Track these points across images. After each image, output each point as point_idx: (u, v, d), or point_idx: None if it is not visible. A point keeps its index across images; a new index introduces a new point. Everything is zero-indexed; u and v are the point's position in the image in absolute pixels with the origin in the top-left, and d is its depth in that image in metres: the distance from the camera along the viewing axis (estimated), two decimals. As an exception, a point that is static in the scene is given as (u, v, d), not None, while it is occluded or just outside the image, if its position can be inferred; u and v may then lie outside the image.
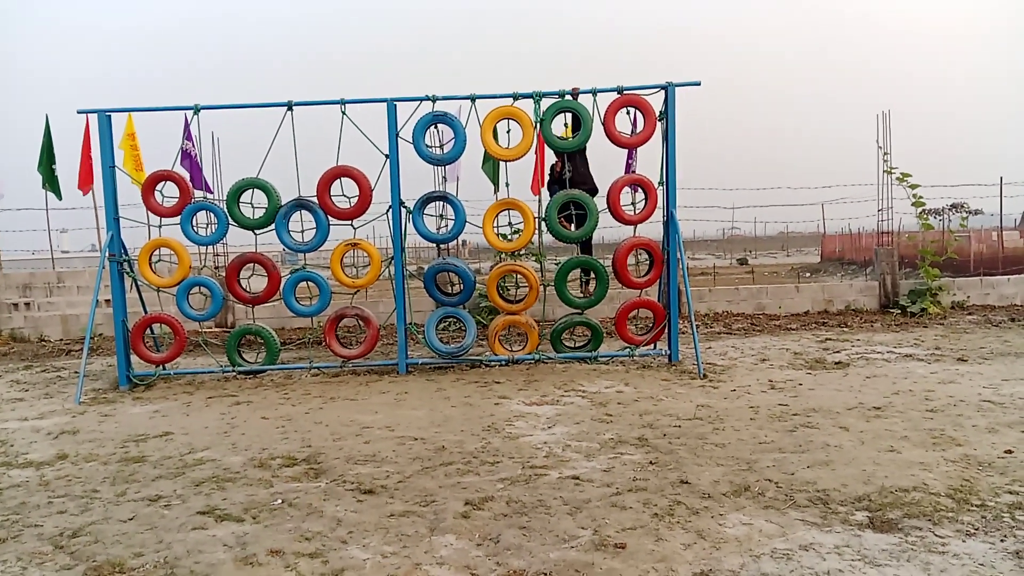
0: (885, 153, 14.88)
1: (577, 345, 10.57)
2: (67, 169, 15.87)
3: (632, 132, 10.05)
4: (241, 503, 5.07)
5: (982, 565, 3.80)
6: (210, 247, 12.38)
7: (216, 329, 13.90)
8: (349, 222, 9.95)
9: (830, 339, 11.37)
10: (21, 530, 4.72)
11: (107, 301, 12.17)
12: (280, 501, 5.07)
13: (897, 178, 14.66)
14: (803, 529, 4.31)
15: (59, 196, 15.97)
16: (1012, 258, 20.47)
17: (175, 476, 5.75)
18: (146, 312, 10.26)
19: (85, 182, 14.42)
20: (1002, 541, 4.05)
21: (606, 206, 9.88)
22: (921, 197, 14.52)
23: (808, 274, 29.17)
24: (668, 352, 9.93)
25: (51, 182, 15.67)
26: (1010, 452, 5.55)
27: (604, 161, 11.06)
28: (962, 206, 24.26)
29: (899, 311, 13.73)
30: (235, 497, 5.19)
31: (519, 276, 10.15)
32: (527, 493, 5.04)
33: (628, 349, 10.03)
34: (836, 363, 9.41)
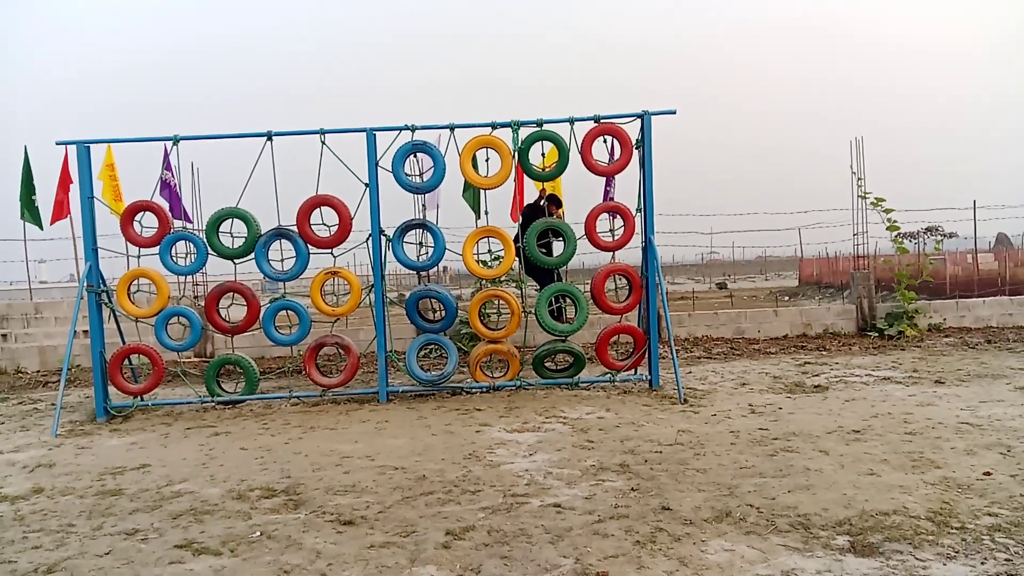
0: (859, 179, 15.07)
1: (559, 368, 10.57)
2: (47, 200, 15.78)
3: (609, 160, 10.14)
4: (219, 536, 5.01)
5: (962, 588, 3.82)
6: (189, 277, 12.32)
7: (195, 359, 13.79)
8: (329, 251, 9.95)
9: (809, 363, 11.44)
10: (-5, 567, 4.65)
11: (85, 332, 12.05)
12: (259, 533, 5.02)
13: (871, 203, 14.84)
14: (785, 554, 4.32)
15: (40, 226, 15.84)
16: (987, 280, 20.72)
17: (152, 509, 5.68)
18: (124, 343, 10.18)
19: (57, 215, 14.29)
20: (983, 564, 4.07)
21: (583, 233, 9.94)
22: (896, 221, 14.71)
23: (787, 298, 29.36)
24: (649, 377, 9.95)
25: (32, 212, 15.55)
26: (989, 474, 5.59)
27: (582, 189, 11.14)
28: (937, 229, 24.55)
29: (877, 334, 13.84)
30: (213, 530, 5.14)
31: (501, 302, 10.16)
32: (508, 522, 5.02)
33: (609, 375, 10.05)
34: (815, 387, 9.46)
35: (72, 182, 11.57)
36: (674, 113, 10.03)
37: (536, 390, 9.88)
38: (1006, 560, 4.10)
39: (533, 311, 9.95)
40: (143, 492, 6.15)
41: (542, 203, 10.52)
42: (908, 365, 10.80)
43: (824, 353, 12.45)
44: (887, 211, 14.66)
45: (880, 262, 17.54)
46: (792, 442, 6.79)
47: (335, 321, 10.21)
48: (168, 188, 12.10)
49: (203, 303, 10.44)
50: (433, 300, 10.41)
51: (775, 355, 12.49)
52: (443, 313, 10.22)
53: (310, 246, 9.88)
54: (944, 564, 4.10)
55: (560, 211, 11.14)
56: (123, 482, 6.49)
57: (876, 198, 14.77)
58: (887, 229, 14.77)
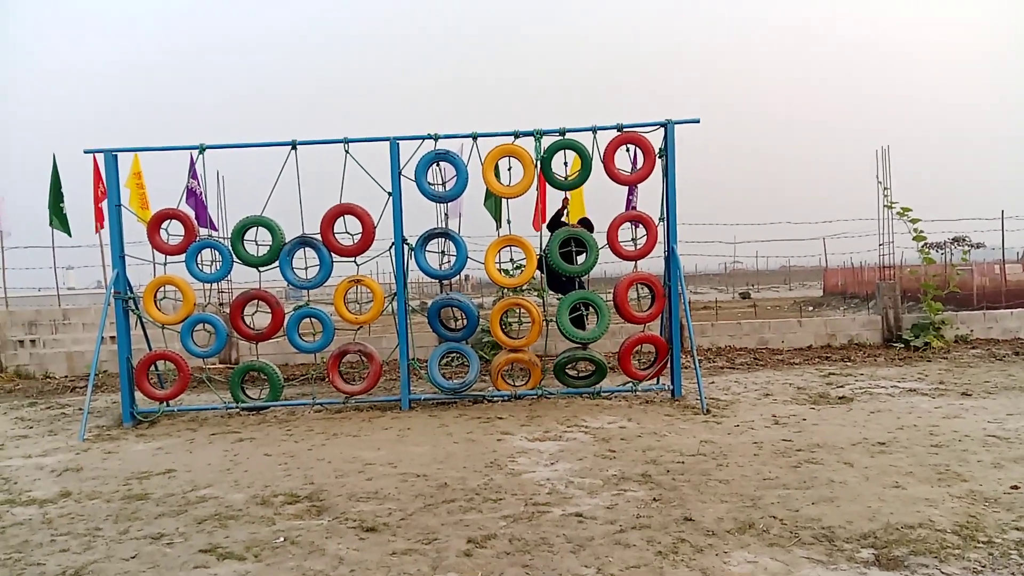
0: (885, 188, 14.96)
1: (580, 375, 10.55)
2: (74, 208, 15.99)
3: (632, 169, 10.13)
4: (243, 541, 5.05)
5: (988, 603, 3.78)
6: (215, 284, 12.43)
7: (220, 366, 13.92)
8: (352, 259, 10.02)
9: (833, 374, 11.36)
10: (23, 569, 4.71)
11: (112, 338, 12.19)
12: (282, 539, 5.06)
13: (898, 212, 14.73)
14: (808, 567, 4.29)
15: (68, 233, 16.06)
16: (1015, 291, 20.43)
17: (177, 514, 5.74)
18: (151, 349, 10.29)
19: (100, 220, 14.47)
20: (1008, 578, 4.03)
21: (606, 242, 9.93)
22: (922, 231, 14.58)
23: (811, 308, 29.12)
24: (671, 387, 9.91)
25: (60, 220, 15.78)
26: (1016, 488, 5.52)
27: (605, 198, 11.13)
28: (964, 239, 24.28)
29: (902, 345, 13.71)
30: (237, 535, 5.18)
31: (522, 310, 10.18)
32: (530, 531, 5.02)
33: (631, 384, 10.02)
34: (840, 398, 9.39)
35: (103, 189, 11.71)
36: (697, 122, 10.01)
37: (558, 399, 9.87)
38: (1034, 575, 4.05)
39: (554, 319, 9.95)
40: (169, 497, 6.21)
41: (564, 215, 10.52)
42: (934, 377, 10.69)
43: (849, 364, 12.35)
44: (913, 221, 14.54)
45: (906, 272, 17.37)
46: (816, 454, 6.74)
47: (358, 329, 10.27)
48: (194, 196, 12.24)
49: (228, 310, 10.53)
50: (455, 309, 10.42)
51: (799, 366, 12.40)
52: (465, 321, 10.24)
53: (334, 254, 9.95)
54: (970, 578, 4.05)
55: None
56: (149, 487, 6.56)
57: (902, 208, 14.66)
58: (913, 239, 14.65)
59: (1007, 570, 4.13)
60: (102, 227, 14.42)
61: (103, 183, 10.84)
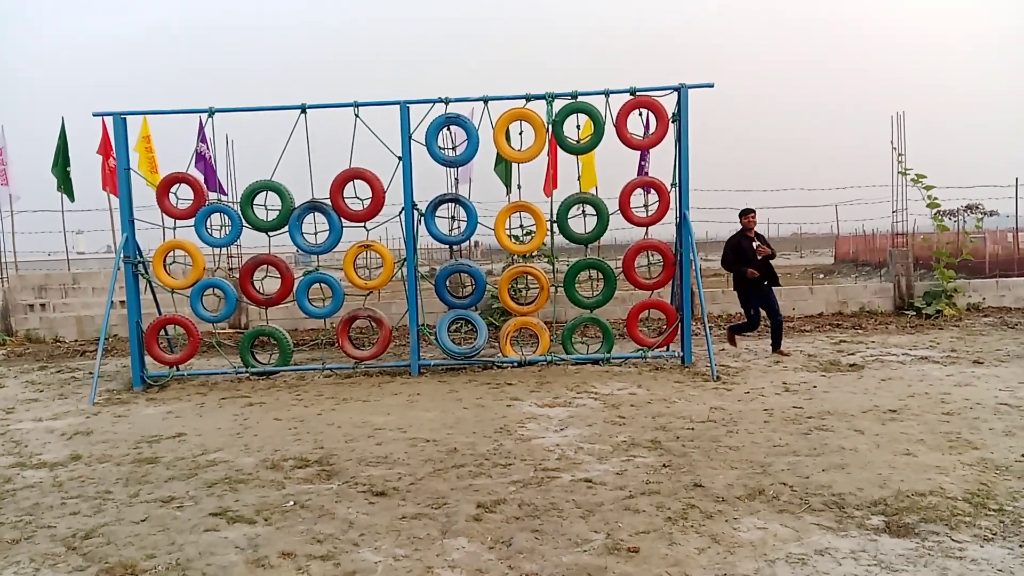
0: (900, 154, 14.78)
1: (588, 344, 10.54)
2: (81, 171, 15.95)
3: (645, 134, 10.02)
4: (253, 504, 5.07)
5: (1000, 571, 3.76)
6: (224, 249, 12.41)
7: (230, 330, 13.94)
8: (362, 224, 9.98)
9: (844, 341, 11.30)
10: (34, 531, 4.74)
11: (122, 302, 12.23)
12: (292, 503, 5.08)
13: (912, 179, 14.56)
14: (818, 533, 4.27)
15: (72, 198, 16.03)
16: (1028, 259, 20.28)
17: (188, 477, 5.76)
18: (160, 313, 10.31)
19: (110, 183, 14.41)
20: (1021, 546, 4.00)
21: (617, 208, 9.86)
22: (936, 198, 14.41)
23: (822, 276, 29.03)
24: (681, 354, 9.88)
25: (66, 184, 15.75)
26: (1028, 456, 5.49)
27: (617, 163, 11.03)
28: (977, 207, 24.00)
29: (914, 313, 13.63)
30: (247, 499, 5.20)
31: (530, 278, 10.15)
32: (539, 496, 5.02)
33: (641, 351, 10.00)
34: (851, 365, 9.35)
35: (111, 153, 11.66)
36: (712, 86, 9.89)
37: (567, 365, 9.86)
38: (1046, 543, 4.03)
39: (562, 285, 9.94)
40: (179, 460, 6.24)
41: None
42: (946, 344, 10.63)
43: (860, 332, 12.29)
44: (927, 188, 14.38)
45: (919, 240, 17.25)
46: (827, 421, 6.72)
47: (368, 294, 10.25)
48: (203, 160, 12.16)
49: (238, 275, 10.52)
50: (463, 275, 10.39)
51: (810, 333, 12.35)
52: (474, 288, 10.23)
53: (343, 219, 9.90)
54: (981, 546, 4.03)
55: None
56: (159, 450, 6.59)
57: (917, 174, 14.49)
58: (927, 207, 14.49)
59: (1018, 538, 4.11)
60: (108, 188, 14.36)
61: (111, 146, 10.78)
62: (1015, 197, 18.19)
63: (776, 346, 10.42)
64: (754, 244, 10.18)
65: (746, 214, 10.38)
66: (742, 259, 10.16)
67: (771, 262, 10.32)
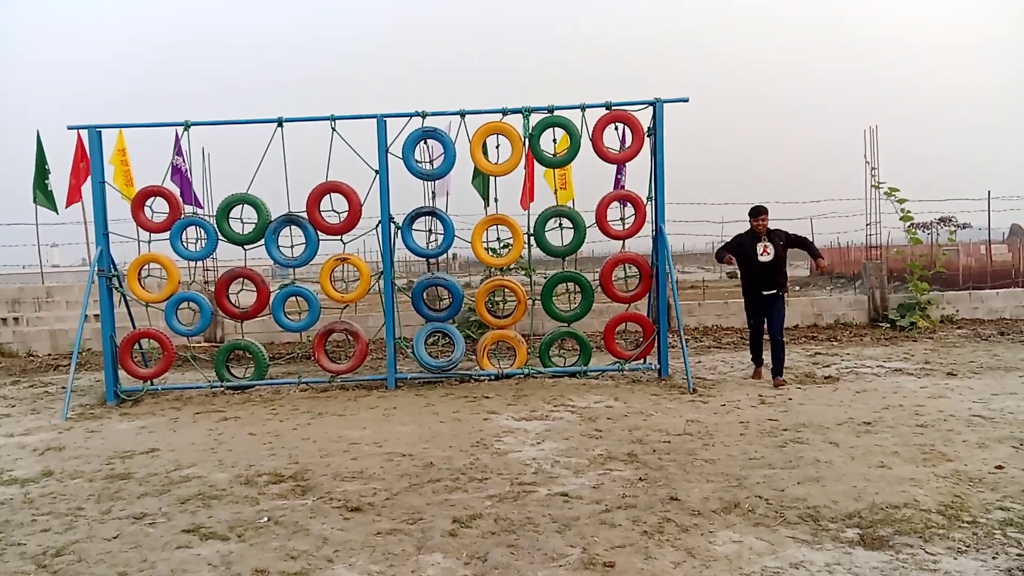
0: (873, 168, 14.95)
1: (565, 357, 10.55)
2: (60, 184, 15.77)
3: (620, 148, 10.08)
4: (227, 521, 5.02)
5: (972, 582, 3.78)
6: (200, 262, 12.32)
7: (205, 344, 13.83)
8: (339, 237, 9.95)
9: (820, 353, 11.38)
10: (3, 549, 4.67)
11: (96, 316, 12.10)
12: (266, 519, 5.03)
13: (885, 192, 14.72)
14: (793, 547, 4.29)
15: (55, 210, 15.82)
16: (1001, 272, 20.51)
17: (161, 493, 5.70)
18: (135, 327, 10.20)
19: (71, 198, 14.27)
20: (994, 559, 4.04)
21: (594, 221, 9.90)
22: (909, 211, 14.58)
23: (798, 288, 29.20)
24: (658, 367, 9.91)
25: (46, 197, 15.54)
26: (1001, 467, 5.54)
27: (593, 177, 11.07)
28: (950, 220, 24.31)
29: (888, 325, 13.75)
30: (221, 515, 5.14)
31: (507, 291, 10.17)
32: (515, 510, 5.00)
33: (618, 364, 10.02)
34: (826, 378, 9.41)
35: (85, 166, 11.55)
36: (687, 101, 9.96)
37: (544, 378, 9.85)
38: (1018, 555, 4.06)
39: (539, 298, 9.96)
40: (152, 476, 6.16)
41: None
42: (920, 357, 10.73)
43: (835, 344, 12.38)
44: (900, 201, 14.54)
45: (893, 252, 17.41)
46: (802, 433, 6.75)
47: (344, 307, 10.21)
48: (179, 173, 12.06)
49: (213, 288, 10.45)
50: (440, 288, 10.39)
51: (785, 345, 12.39)
52: (450, 301, 10.21)
53: (320, 232, 9.88)
54: (955, 558, 4.06)
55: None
56: (132, 466, 6.51)
57: (890, 188, 14.65)
58: (900, 219, 14.66)
59: (991, 550, 4.14)
60: (77, 200, 14.18)
61: (85, 160, 10.69)
62: (987, 210, 18.43)
63: (777, 371, 9.28)
64: (758, 246, 9.22)
65: (754, 215, 9.38)
66: (741, 258, 9.42)
67: (782, 269, 9.39)
